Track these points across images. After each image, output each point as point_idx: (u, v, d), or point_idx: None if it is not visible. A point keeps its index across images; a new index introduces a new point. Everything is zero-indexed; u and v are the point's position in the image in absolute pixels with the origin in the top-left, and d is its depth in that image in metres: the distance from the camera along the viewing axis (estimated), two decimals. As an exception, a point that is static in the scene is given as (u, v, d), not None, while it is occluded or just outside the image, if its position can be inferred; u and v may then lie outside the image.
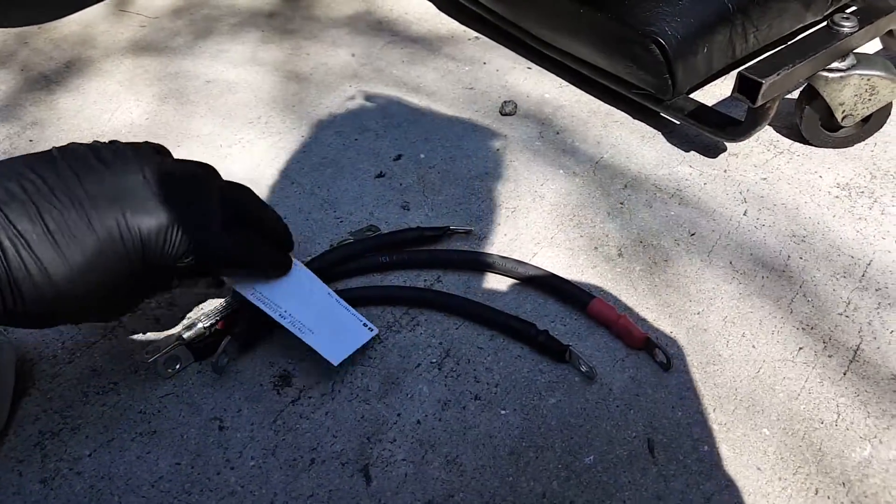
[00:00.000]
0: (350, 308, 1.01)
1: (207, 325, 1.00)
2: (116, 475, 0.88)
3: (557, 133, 1.47)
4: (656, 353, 1.02)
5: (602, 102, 1.56)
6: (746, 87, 1.22)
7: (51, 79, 1.69)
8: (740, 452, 0.92)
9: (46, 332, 1.05)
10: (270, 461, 0.90)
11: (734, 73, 1.60)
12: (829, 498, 0.87)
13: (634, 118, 1.50)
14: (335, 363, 0.96)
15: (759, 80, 1.19)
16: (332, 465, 0.90)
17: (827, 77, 1.30)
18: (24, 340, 1.04)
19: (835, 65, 1.29)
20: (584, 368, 0.99)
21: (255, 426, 0.93)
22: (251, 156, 1.42)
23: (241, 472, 0.88)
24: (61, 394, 0.97)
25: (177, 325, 1.07)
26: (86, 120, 1.52)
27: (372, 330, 1.01)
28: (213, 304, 1.09)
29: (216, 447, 0.91)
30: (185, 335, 0.98)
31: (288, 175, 1.37)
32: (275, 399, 0.97)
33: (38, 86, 1.65)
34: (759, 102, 1.22)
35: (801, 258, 1.19)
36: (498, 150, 1.43)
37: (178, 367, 0.99)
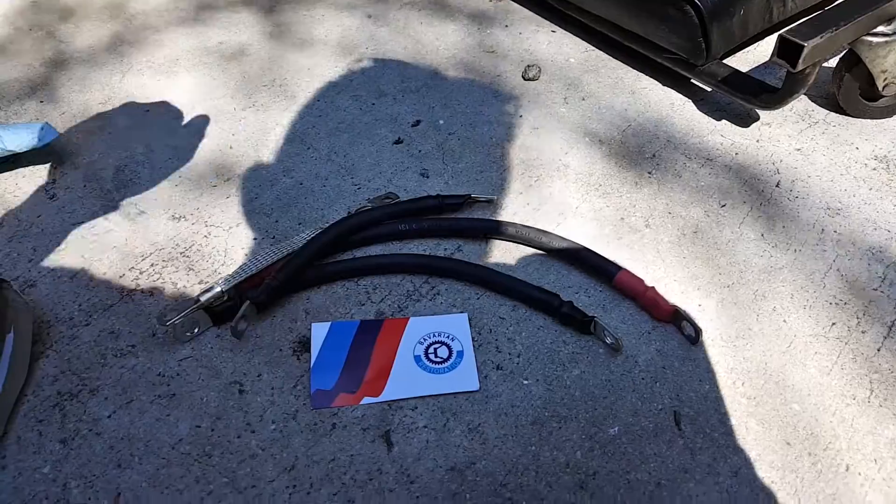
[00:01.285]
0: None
1: (225, 288, 1.02)
2: (136, 437, 0.90)
3: (583, 99, 1.46)
4: (684, 326, 1.02)
5: (629, 68, 1.54)
6: (787, 51, 1.19)
7: (60, 37, 1.70)
8: (769, 427, 0.93)
9: (63, 293, 1.07)
10: (291, 425, 0.92)
11: (768, 39, 1.59)
12: (860, 475, 0.88)
13: (664, 85, 1.49)
14: (476, 387, 0.97)
15: (802, 42, 1.17)
16: (353, 430, 0.91)
17: (871, 42, 1.27)
18: (40, 301, 1.06)
19: (880, 28, 1.26)
20: (609, 340, 1.00)
21: (275, 391, 0.95)
22: (266, 119, 1.41)
23: (262, 436, 0.90)
24: (79, 355, 0.99)
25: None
26: (97, 80, 1.52)
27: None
28: (231, 268, 1.11)
29: (236, 410, 0.93)
30: (203, 298, 0.99)
31: (304, 140, 1.37)
32: (294, 364, 0.98)
33: (47, 45, 1.66)
34: (800, 67, 1.19)
35: (835, 232, 1.18)
36: (521, 116, 1.42)
37: (196, 330, 1.00)
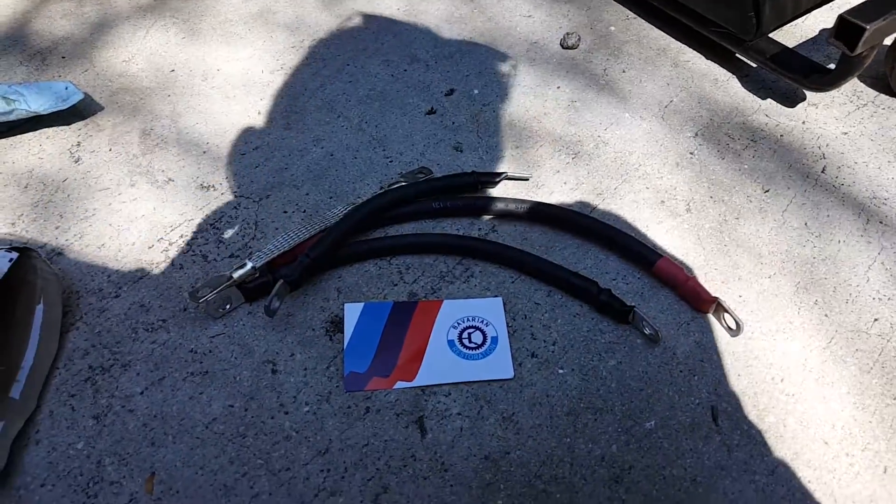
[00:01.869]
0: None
1: (258, 265, 0.96)
2: (169, 415, 0.86)
3: (623, 71, 1.36)
4: (724, 318, 0.97)
5: (672, 39, 1.43)
6: (846, 33, 1.09)
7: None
8: (807, 425, 0.88)
9: (92, 264, 1.02)
10: (325, 408, 0.88)
11: (816, 12, 1.47)
12: (897, 477, 0.86)
13: (708, 59, 1.38)
14: (511, 374, 0.92)
15: (863, 25, 1.06)
16: (387, 414, 0.88)
17: (932, 22, 1.17)
18: (69, 272, 1.01)
19: (942, 9, 1.16)
20: (647, 331, 0.95)
21: (308, 371, 0.91)
22: (294, 85, 1.32)
23: (296, 418, 0.87)
24: (110, 329, 0.95)
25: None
26: (120, 36, 1.42)
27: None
28: (261, 241, 1.05)
29: (269, 391, 0.89)
30: (236, 275, 0.94)
31: (334, 108, 1.28)
32: (327, 345, 0.94)
33: (71, 5, 1.56)
34: (859, 50, 1.09)
35: (881, 222, 1.11)
36: (559, 87, 1.33)
37: (228, 307, 0.95)
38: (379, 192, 1.10)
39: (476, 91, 1.32)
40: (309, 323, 0.96)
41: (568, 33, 1.37)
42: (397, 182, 1.12)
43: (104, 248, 1.04)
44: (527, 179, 1.13)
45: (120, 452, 0.83)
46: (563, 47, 1.37)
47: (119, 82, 1.31)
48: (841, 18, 1.08)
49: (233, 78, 1.33)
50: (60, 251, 1.03)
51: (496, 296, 1.00)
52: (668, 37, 1.43)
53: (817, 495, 0.82)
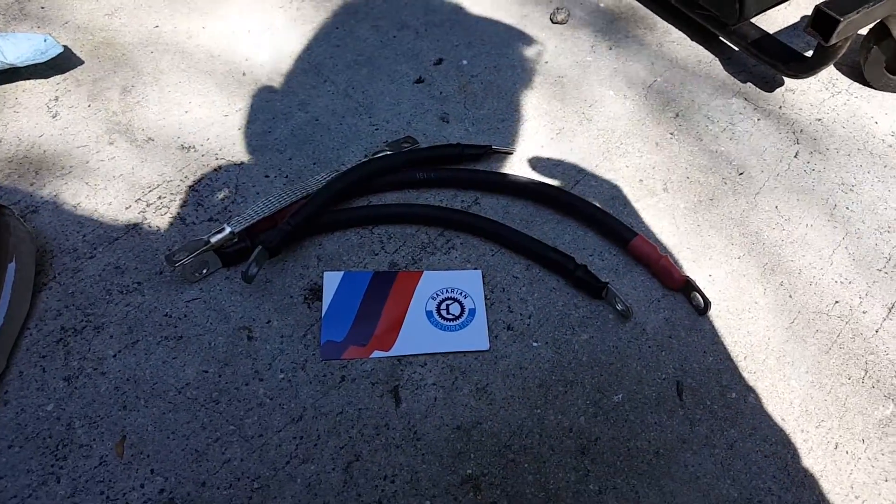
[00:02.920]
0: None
1: (237, 230, 0.86)
2: (142, 379, 0.78)
3: (610, 48, 1.24)
4: (694, 297, 0.90)
5: (659, 19, 1.31)
6: (822, 24, 1.00)
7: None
8: (767, 402, 0.83)
9: (67, 223, 0.91)
10: (300, 375, 0.80)
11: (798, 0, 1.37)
12: (847, 453, 0.79)
13: (692, 40, 1.27)
14: (486, 346, 0.84)
15: (837, 17, 0.97)
16: (362, 384, 0.80)
17: (906, 15, 1.09)
18: (42, 230, 0.90)
19: (917, 3, 1.07)
20: (619, 307, 0.87)
21: (284, 339, 0.82)
22: (282, 46, 1.19)
23: (270, 385, 0.79)
24: (83, 290, 0.85)
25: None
26: (102, -11, 1.28)
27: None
28: (242, 205, 0.95)
29: (245, 357, 0.81)
30: (213, 240, 0.84)
31: (321, 72, 1.16)
32: (305, 313, 0.85)
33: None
34: (833, 41, 1.01)
35: (847, 208, 1.04)
36: (546, 62, 1.21)
37: (205, 271, 0.86)
38: (363, 160, 0.99)
39: (465, 62, 1.20)
40: (287, 290, 0.87)
41: (558, 8, 1.25)
42: (382, 150, 1.01)
43: (80, 208, 0.92)
44: (511, 153, 1.04)
45: (91, 415, 0.74)
46: (552, 22, 1.25)
47: (101, 36, 1.17)
48: (817, 9, 0.99)
49: (218, 36, 1.19)
50: (35, 209, 0.92)
51: (476, 268, 0.91)
52: (655, 16, 1.31)
53: (772, 469, 0.77)
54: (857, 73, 1.20)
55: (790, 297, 0.92)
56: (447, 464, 0.75)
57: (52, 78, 1.09)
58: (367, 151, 1.03)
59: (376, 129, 1.08)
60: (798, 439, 0.80)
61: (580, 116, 1.12)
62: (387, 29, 1.25)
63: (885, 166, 1.08)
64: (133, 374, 0.78)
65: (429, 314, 0.87)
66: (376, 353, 0.83)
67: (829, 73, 1.22)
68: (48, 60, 1.05)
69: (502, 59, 1.21)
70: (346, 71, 1.16)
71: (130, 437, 0.74)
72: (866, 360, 0.87)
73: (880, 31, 1.12)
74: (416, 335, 0.85)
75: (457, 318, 0.87)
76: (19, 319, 0.80)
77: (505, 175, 0.99)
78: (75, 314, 0.83)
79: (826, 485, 0.77)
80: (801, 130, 1.13)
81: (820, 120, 1.15)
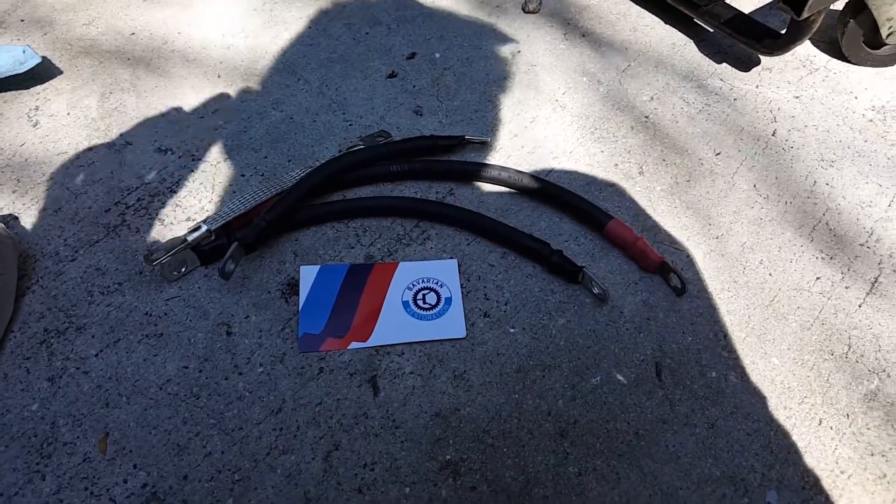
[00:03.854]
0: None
1: (213, 227, 0.89)
2: (124, 376, 0.81)
3: (583, 35, 1.27)
4: (671, 278, 0.91)
5: (632, 4, 1.34)
6: (793, -3, 1.03)
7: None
8: (747, 380, 0.84)
9: (48, 227, 0.94)
10: (279, 368, 0.83)
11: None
12: (831, 428, 0.81)
13: (666, 23, 1.30)
14: (463, 334, 0.86)
15: None
16: (341, 374, 0.83)
17: (881, -13, 1.10)
18: (25, 235, 0.93)
19: (893, -28, 1.09)
20: (596, 290, 0.90)
21: (263, 333, 0.85)
22: (255, 48, 1.22)
23: (250, 378, 0.81)
24: (65, 292, 0.88)
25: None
26: (81, 0, 1.33)
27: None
28: (219, 204, 0.98)
29: (224, 352, 0.83)
30: (190, 238, 0.87)
31: (294, 70, 1.19)
32: (283, 307, 0.88)
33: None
34: (805, 15, 1.03)
35: (827, 184, 1.06)
36: (519, 52, 1.24)
37: (183, 270, 0.89)
38: (338, 154, 1.03)
39: (437, 55, 1.23)
40: (265, 286, 0.90)
41: (529, -3, 1.29)
42: (356, 145, 1.04)
43: (61, 212, 0.96)
44: (486, 143, 1.06)
45: (74, 413, 0.77)
46: (524, 11, 1.28)
47: (79, 46, 1.21)
48: (790, -18, 1.02)
49: (193, 41, 1.23)
50: (17, 215, 0.95)
51: (451, 258, 0.94)
52: (627, 1, 1.34)
53: (755, 447, 0.78)
54: (835, 49, 1.22)
55: (770, 274, 0.94)
56: (426, 450, 0.77)
57: (32, 88, 1.13)
58: (341, 147, 1.06)
59: (350, 125, 1.11)
60: (781, 416, 0.81)
61: (554, 104, 1.15)
62: (359, 26, 1.28)
63: (866, 141, 1.10)
64: (115, 372, 0.81)
65: (405, 304, 0.90)
66: (354, 345, 0.85)
67: (807, 49, 1.24)
68: (27, 71, 1.09)
69: (475, 50, 1.24)
70: (319, 69, 1.20)
71: (113, 433, 0.76)
72: (849, 336, 0.88)
73: (856, 4, 1.13)
74: (394, 325, 0.88)
75: (433, 307, 0.89)
76: (3, 323, 0.84)
77: (479, 164, 1.01)
78: (58, 316, 0.86)
79: (811, 460, 0.78)
80: (779, 108, 1.15)
81: (798, 97, 1.16)
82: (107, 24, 1.25)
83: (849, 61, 1.20)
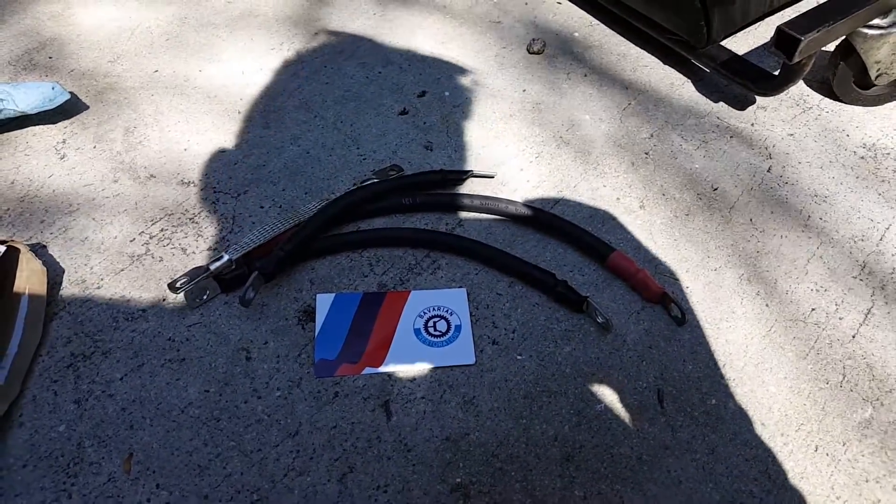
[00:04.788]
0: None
1: (234, 257, 0.96)
2: (147, 399, 0.87)
3: (585, 75, 1.36)
4: (671, 308, 0.98)
5: (632, 45, 1.44)
6: (784, 43, 1.11)
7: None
8: (746, 408, 0.90)
9: (75, 256, 1.01)
10: (296, 393, 0.88)
11: (769, 19, 1.48)
12: (827, 455, 0.86)
13: (665, 64, 1.39)
14: (473, 360, 0.92)
15: (798, 36, 1.08)
16: (355, 399, 0.88)
17: (866, 34, 1.18)
18: (52, 263, 1.00)
19: (875, 21, 1.17)
20: (600, 319, 0.96)
21: (280, 358, 0.91)
22: (274, 86, 1.31)
23: (268, 402, 0.87)
24: (91, 318, 0.94)
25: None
26: (105, 38, 1.41)
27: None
28: (239, 235, 1.05)
29: (243, 377, 0.89)
30: (213, 267, 0.94)
31: (311, 107, 1.27)
32: (299, 333, 0.94)
33: (58, 7, 1.53)
34: (796, 59, 1.11)
35: (821, 219, 1.13)
36: (524, 91, 1.33)
37: (205, 297, 0.95)
38: (352, 188, 1.10)
39: (447, 93, 1.31)
40: (282, 313, 0.96)
41: (534, 39, 1.37)
42: (370, 179, 1.12)
43: (87, 242, 1.03)
44: (492, 177, 1.14)
45: (99, 435, 0.83)
46: (529, 52, 1.38)
47: (104, 82, 1.30)
48: (779, 30, 1.10)
49: (214, 78, 1.32)
50: (45, 244, 1.02)
51: (461, 287, 1.00)
52: (628, 42, 1.43)
53: (754, 472, 0.84)
54: (826, 89, 1.31)
55: (766, 306, 1.00)
56: (437, 473, 0.82)
57: (59, 122, 1.21)
58: (355, 180, 1.13)
59: (364, 159, 1.19)
60: (778, 443, 0.87)
61: (558, 140, 1.23)
62: (372, 65, 1.38)
63: (857, 177, 1.17)
64: (139, 395, 0.87)
65: (417, 331, 0.96)
66: (367, 370, 0.91)
67: (800, 89, 1.33)
68: (56, 107, 1.18)
69: (482, 89, 1.33)
70: (334, 106, 1.28)
71: (137, 454, 0.82)
72: (844, 365, 0.94)
73: (846, 47, 1.22)
74: (405, 351, 0.93)
75: (443, 334, 0.95)
76: (32, 347, 0.90)
77: (487, 198, 1.09)
78: (84, 341, 0.92)
79: (807, 486, 0.83)
80: (774, 146, 1.22)
81: (792, 135, 1.24)
82: (131, 62, 1.34)
83: (840, 101, 1.29)
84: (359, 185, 1.11)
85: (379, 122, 1.26)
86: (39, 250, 1.01)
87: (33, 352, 0.90)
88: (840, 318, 0.99)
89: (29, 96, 1.16)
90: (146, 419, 0.85)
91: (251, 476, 0.81)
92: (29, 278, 0.94)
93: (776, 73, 1.21)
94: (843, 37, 1.19)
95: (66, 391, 0.87)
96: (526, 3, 1.55)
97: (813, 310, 1.00)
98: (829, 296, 1.01)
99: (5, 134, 1.19)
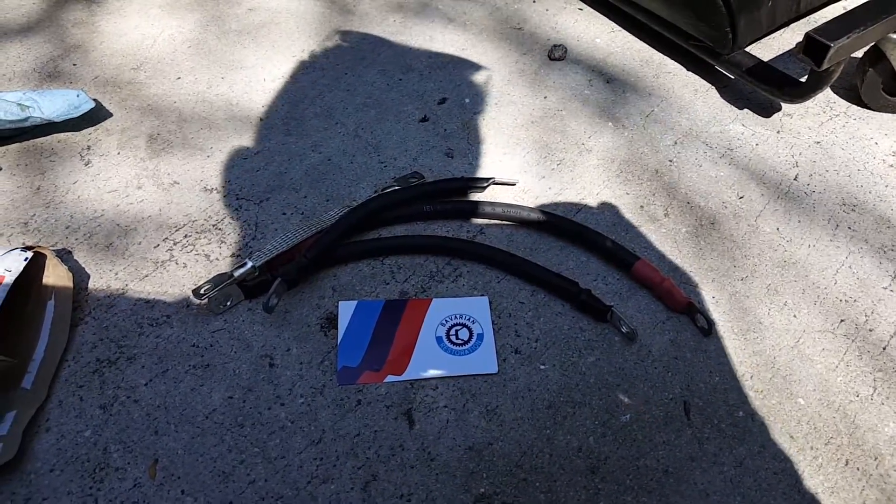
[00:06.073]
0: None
1: (257, 264, 0.98)
2: (172, 405, 0.88)
3: (607, 82, 1.37)
4: (697, 318, 0.98)
5: (655, 51, 1.45)
6: (813, 49, 1.11)
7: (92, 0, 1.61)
8: (774, 420, 0.90)
9: (99, 261, 1.03)
10: (318, 400, 0.90)
11: (793, 25, 1.48)
12: (858, 469, 0.86)
13: (688, 70, 1.40)
14: (495, 370, 0.94)
15: (828, 43, 1.08)
16: (377, 407, 0.89)
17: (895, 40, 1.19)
18: (77, 269, 1.02)
19: (907, 26, 1.18)
20: (624, 329, 0.96)
21: (303, 365, 0.93)
22: (294, 92, 1.34)
23: (291, 409, 0.89)
24: (116, 323, 0.96)
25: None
26: (129, 45, 1.44)
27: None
28: (261, 242, 1.07)
29: (267, 383, 0.91)
30: (237, 274, 0.96)
31: (332, 115, 1.30)
32: (322, 340, 0.95)
33: (77, 5, 1.57)
34: (825, 66, 1.12)
35: (849, 228, 1.12)
36: (545, 97, 1.34)
37: (228, 303, 0.97)
38: (373, 195, 1.12)
39: (467, 100, 1.33)
40: (305, 319, 0.98)
41: (555, 45, 1.39)
42: (391, 186, 1.14)
43: (112, 248, 1.05)
44: (514, 184, 1.15)
45: (125, 440, 0.85)
46: (550, 58, 1.39)
47: (128, 89, 1.33)
48: (808, 36, 1.10)
49: (236, 85, 1.35)
50: (70, 250, 1.05)
51: (483, 295, 1.01)
52: (650, 48, 1.44)
53: (782, 486, 0.83)
54: (854, 95, 1.31)
55: (794, 316, 1.00)
56: (461, 483, 0.83)
57: (84, 129, 1.24)
58: (376, 187, 1.15)
59: (385, 167, 1.20)
60: (807, 456, 0.86)
61: (580, 147, 1.24)
62: (393, 73, 1.40)
63: (886, 186, 1.17)
64: (164, 401, 0.89)
65: (439, 339, 0.97)
66: (390, 378, 0.92)
67: (827, 96, 1.33)
68: (81, 114, 1.21)
69: (503, 96, 1.34)
70: (355, 113, 1.30)
71: (162, 460, 0.83)
72: (874, 378, 0.94)
73: (875, 54, 1.22)
74: (428, 360, 0.94)
75: (466, 342, 0.96)
76: (58, 352, 0.92)
77: (508, 205, 1.10)
78: (109, 346, 0.94)
79: (838, 501, 0.82)
80: (800, 153, 1.22)
81: (819, 143, 1.24)
82: (154, 69, 1.38)
83: (868, 107, 1.28)
84: (380, 192, 1.13)
85: (399, 129, 1.28)
86: (65, 256, 1.04)
87: (59, 357, 0.92)
88: (870, 330, 0.98)
89: (54, 104, 1.20)
90: (171, 425, 0.87)
91: (275, 483, 0.82)
92: (55, 284, 0.97)
93: (802, 79, 1.21)
94: (873, 43, 1.20)
95: (92, 396, 0.89)
96: (546, 10, 1.56)
97: (842, 321, 0.99)
98: (859, 307, 1.01)
99: (31, 141, 1.22)
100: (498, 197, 1.14)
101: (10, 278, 0.90)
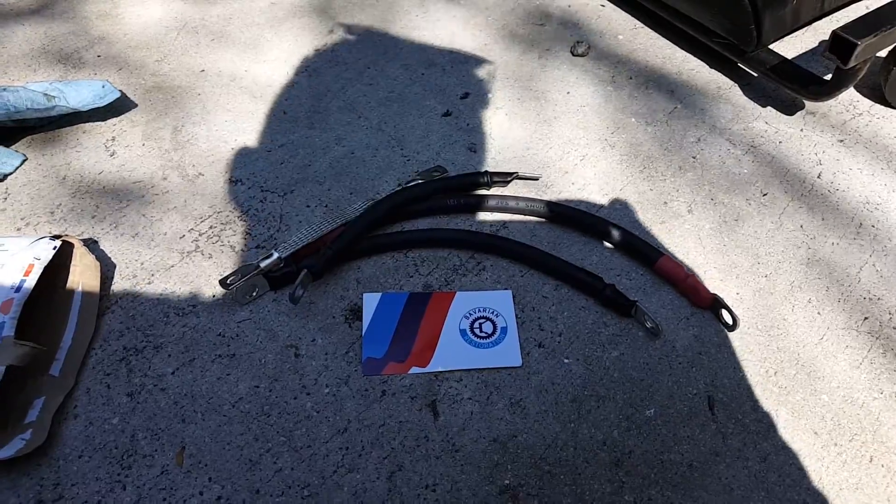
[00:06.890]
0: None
1: (283, 255, 0.99)
2: (199, 394, 0.89)
3: (630, 78, 1.37)
4: (722, 314, 0.98)
5: (677, 48, 1.44)
6: (839, 47, 1.10)
7: (111, -9, 1.62)
8: (798, 416, 0.90)
9: (126, 251, 1.04)
10: (344, 390, 0.90)
11: (817, 24, 1.48)
12: (883, 466, 0.86)
13: (711, 67, 1.39)
14: (519, 363, 0.94)
15: (855, 41, 1.08)
16: (402, 398, 0.90)
17: (924, 37, 1.19)
18: (104, 258, 1.03)
19: (935, 25, 1.17)
20: (649, 324, 0.97)
21: (328, 356, 0.93)
22: (318, 86, 1.34)
23: (317, 399, 0.89)
24: (143, 312, 0.97)
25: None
26: (153, 37, 1.45)
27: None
28: (286, 233, 1.07)
29: (292, 373, 0.92)
30: (263, 265, 0.97)
31: (355, 108, 1.30)
32: (347, 331, 0.96)
33: (106, 6, 1.58)
34: (851, 64, 1.11)
35: (873, 226, 1.12)
36: (568, 93, 1.34)
37: (254, 294, 0.98)
38: (397, 189, 1.12)
39: (490, 95, 1.33)
40: (330, 311, 0.99)
41: (578, 41, 1.39)
42: (414, 180, 1.14)
43: (138, 237, 1.06)
44: (537, 179, 1.15)
45: (152, 428, 0.86)
46: (573, 55, 1.39)
47: (152, 81, 1.34)
48: (834, 34, 1.10)
49: (260, 79, 1.36)
50: (96, 239, 1.06)
51: (506, 289, 1.02)
52: (673, 45, 1.44)
53: (806, 482, 0.83)
54: (877, 94, 1.30)
55: (819, 314, 1.00)
56: (485, 474, 0.84)
57: (109, 120, 1.25)
58: (400, 181, 1.16)
59: (408, 161, 1.21)
60: (832, 452, 0.86)
61: (603, 143, 1.24)
62: (415, 67, 1.40)
63: (911, 184, 1.16)
64: (190, 389, 0.90)
65: (463, 332, 0.97)
66: (414, 369, 0.93)
67: (850, 94, 1.32)
68: (107, 105, 1.22)
69: (525, 91, 1.35)
70: (378, 107, 1.31)
71: (189, 447, 0.84)
72: (899, 375, 0.94)
73: (899, 53, 1.22)
74: (452, 352, 0.95)
75: (490, 335, 0.97)
76: (86, 340, 0.93)
77: (531, 200, 1.10)
78: (136, 335, 0.95)
79: (862, 497, 0.82)
80: (824, 151, 1.22)
81: (842, 141, 1.24)
82: (178, 61, 1.39)
83: (892, 106, 1.28)
84: (404, 185, 1.13)
85: (422, 123, 1.28)
86: (92, 245, 1.05)
87: (87, 345, 0.93)
88: (894, 328, 0.98)
89: (80, 94, 1.21)
90: (198, 413, 0.87)
91: (301, 472, 0.83)
92: (83, 273, 0.98)
93: (827, 77, 1.21)
94: (897, 41, 1.20)
95: (120, 384, 0.90)
96: (569, 6, 1.56)
97: (866, 318, 0.99)
98: (883, 304, 1.00)
99: (57, 130, 1.23)
100: (521, 192, 1.15)
101: (38, 266, 0.91)
